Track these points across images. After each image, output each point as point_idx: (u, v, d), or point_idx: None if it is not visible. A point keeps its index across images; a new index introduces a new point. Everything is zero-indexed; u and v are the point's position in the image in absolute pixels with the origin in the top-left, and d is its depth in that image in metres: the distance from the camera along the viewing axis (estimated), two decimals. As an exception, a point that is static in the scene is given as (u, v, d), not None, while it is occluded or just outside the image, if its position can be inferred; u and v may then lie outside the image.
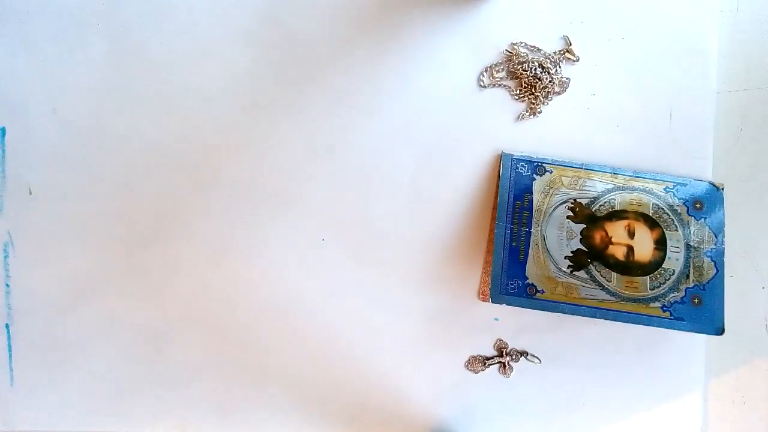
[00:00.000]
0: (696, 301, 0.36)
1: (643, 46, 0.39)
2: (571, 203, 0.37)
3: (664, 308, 0.36)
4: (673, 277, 0.36)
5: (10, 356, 0.38)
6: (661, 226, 0.37)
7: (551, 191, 0.37)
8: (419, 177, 0.38)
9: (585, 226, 0.37)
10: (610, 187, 0.37)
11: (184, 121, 0.38)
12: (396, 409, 0.38)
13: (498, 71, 0.39)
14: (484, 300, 0.37)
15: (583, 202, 0.37)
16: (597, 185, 0.37)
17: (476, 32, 0.39)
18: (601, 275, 0.36)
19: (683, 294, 0.36)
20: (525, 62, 0.39)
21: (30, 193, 0.37)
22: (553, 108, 0.39)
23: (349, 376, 0.38)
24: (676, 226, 0.37)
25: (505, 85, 0.39)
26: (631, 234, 0.37)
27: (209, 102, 0.38)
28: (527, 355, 0.38)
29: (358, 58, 0.39)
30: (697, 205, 0.37)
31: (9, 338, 0.38)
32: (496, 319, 0.38)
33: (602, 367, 0.38)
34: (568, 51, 0.39)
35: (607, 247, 0.37)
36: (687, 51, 0.40)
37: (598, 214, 0.37)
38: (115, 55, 0.38)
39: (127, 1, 0.38)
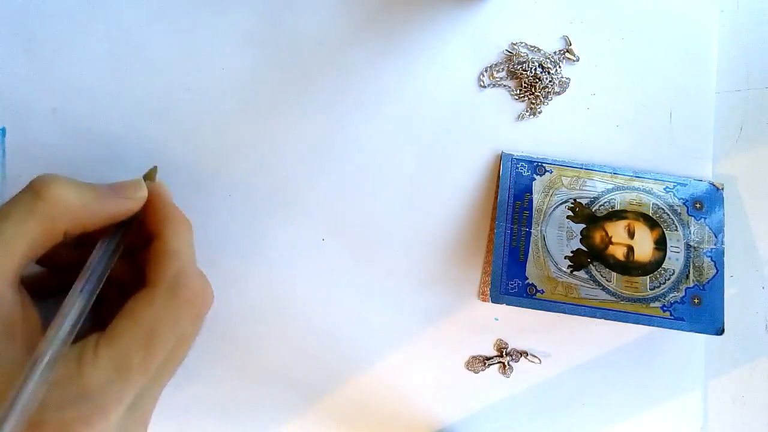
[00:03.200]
0: (696, 301, 0.36)
1: (643, 46, 0.39)
2: (571, 203, 0.37)
3: (664, 308, 0.36)
4: (673, 277, 0.36)
5: (10, 356, 0.38)
6: (661, 226, 0.37)
7: (551, 191, 0.37)
8: (419, 177, 0.38)
9: (585, 226, 0.37)
10: (610, 187, 0.37)
11: (184, 121, 0.38)
12: (395, 409, 0.38)
13: (498, 71, 0.39)
14: (484, 300, 0.37)
15: (583, 202, 0.37)
16: (597, 185, 0.37)
17: (476, 32, 0.39)
18: (601, 275, 0.36)
19: (683, 294, 0.36)
20: (525, 62, 0.39)
21: (30, 193, 0.37)
22: (553, 108, 0.39)
23: (349, 376, 0.37)
24: (676, 226, 0.37)
25: (505, 85, 0.39)
26: (631, 234, 0.37)
27: (209, 102, 0.38)
28: (527, 355, 0.38)
29: (357, 57, 0.39)
30: (697, 205, 0.37)
31: (9, 338, 0.38)
32: (496, 319, 0.38)
33: (602, 367, 0.38)
34: (568, 51, 0.39)
35: (607, 247, 0.37)
36: (687, 51, 0.40)
37: (598, 214, 0.37)
38: (115, 55, 0.38)
39: (128, 1, 0.38)
